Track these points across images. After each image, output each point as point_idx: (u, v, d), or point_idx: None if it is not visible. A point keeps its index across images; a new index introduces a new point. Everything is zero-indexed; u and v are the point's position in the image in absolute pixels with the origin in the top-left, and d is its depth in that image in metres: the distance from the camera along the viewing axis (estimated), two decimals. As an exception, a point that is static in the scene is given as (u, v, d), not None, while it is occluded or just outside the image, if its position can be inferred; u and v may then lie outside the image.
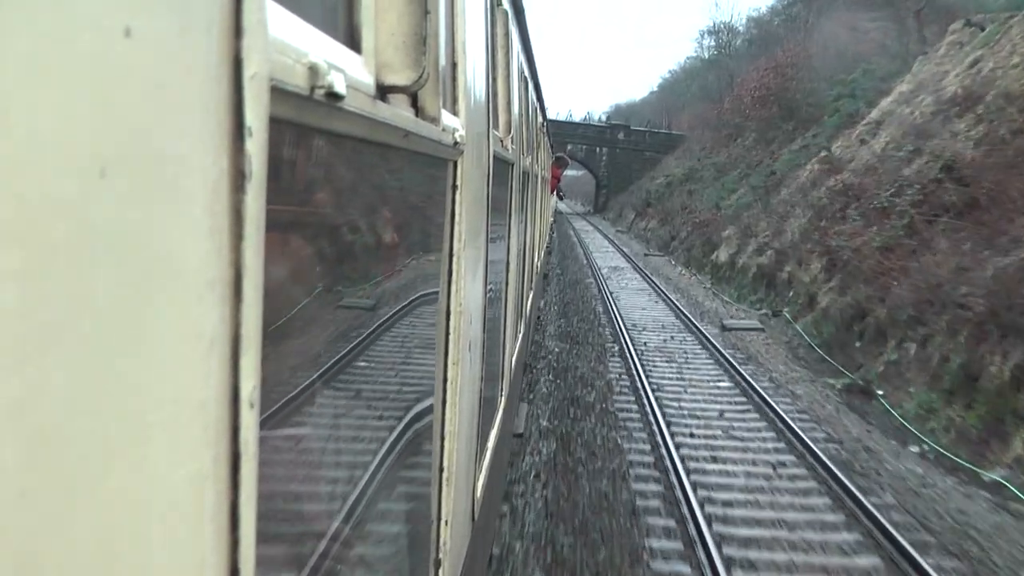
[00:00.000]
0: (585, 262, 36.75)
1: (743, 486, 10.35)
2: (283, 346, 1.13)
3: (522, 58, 6.99)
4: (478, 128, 2.85)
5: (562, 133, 72.60)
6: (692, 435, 12.32)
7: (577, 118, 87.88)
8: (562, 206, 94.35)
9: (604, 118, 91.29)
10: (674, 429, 12.37)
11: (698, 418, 13.28)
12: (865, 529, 9.01)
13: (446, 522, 2.37)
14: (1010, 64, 21.44)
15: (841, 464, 11.01)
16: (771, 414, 13.34)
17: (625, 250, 43.77)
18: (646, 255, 41.31)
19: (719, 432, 12.61)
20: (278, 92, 0.84)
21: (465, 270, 2.47)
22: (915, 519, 9.47)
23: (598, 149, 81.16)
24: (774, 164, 36.38)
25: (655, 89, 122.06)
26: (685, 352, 18.49)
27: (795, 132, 38.44)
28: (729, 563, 8.14)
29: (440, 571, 2.32)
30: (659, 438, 11.90)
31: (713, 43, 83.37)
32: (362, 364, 1.73)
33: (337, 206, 1.49)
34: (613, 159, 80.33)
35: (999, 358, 13.06)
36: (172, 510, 0.66)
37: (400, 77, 1.39)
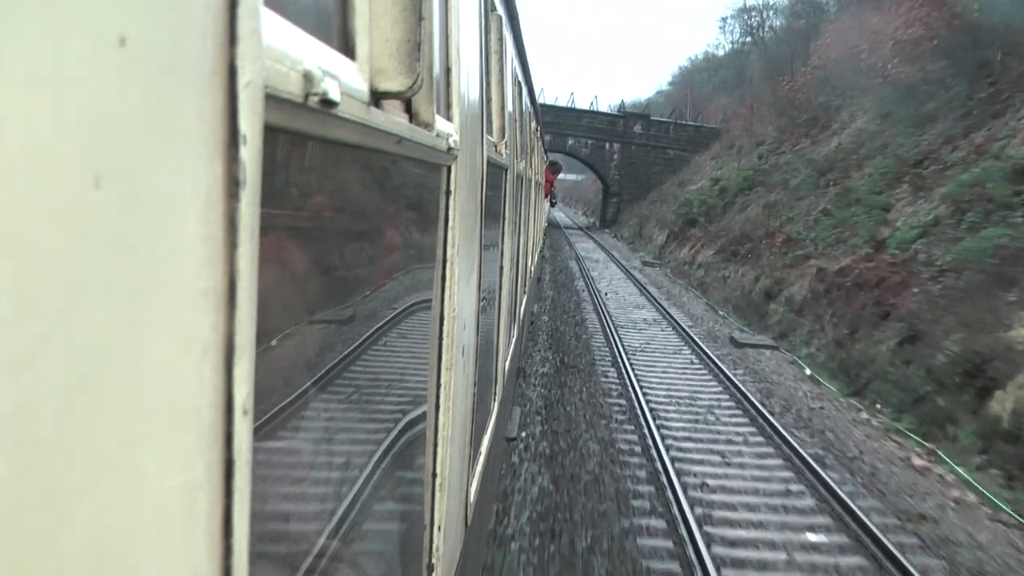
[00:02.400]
0: (615, 378, 15.27)
1: None
2: (277, 352, 1.13)
3: (516, 63, 7.00)
4: (472, 133, 2.86)
5: (562, 124, 59.77)
6: None
7: (581, 106, 67.00)
8: (559, 216, 78.55)
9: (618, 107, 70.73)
10: None
11: None
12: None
13: (439, 527, 2.36)
14: None
15: None
16: None
17: (677, 317, 21.64)
18: (738, 343, 19.12)
19: None
20: (272, 99, 0.84)
21: (459, 275, 2.47)
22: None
23: (608, 145, 62.64)
24: (1006, 149, 18.58)
25: (664, 87, 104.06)
26: None
27: (1001, 97, 21.21)
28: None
29: (433, 577, 2.31)
30: None
31: (739, 26, 73.89)
32: (356, 370, 1.73)
33: (331, 213, 1.49)
34: (627, 158, 62.08)
35: None
36: (165, 518, 0.66)
37: (394, 83, 1.39)
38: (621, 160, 62.39)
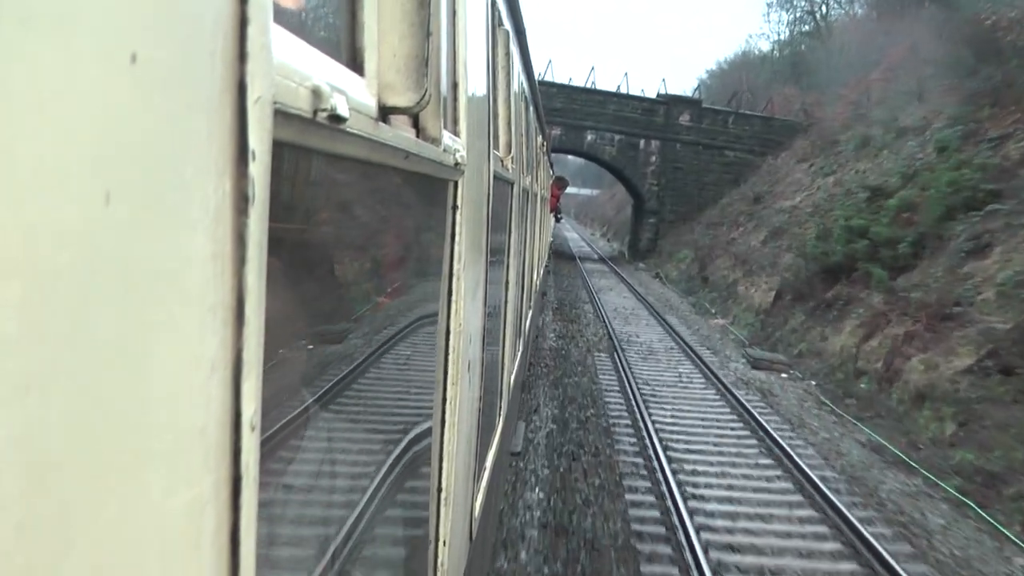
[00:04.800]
0: None
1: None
2: (285, 368, 1.13)
3: (522, 77, 7.03)
4: (479, 148, 2.86)
5: (578, 111, 42.19)
6: None
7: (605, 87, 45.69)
8: (571, 237, 67.62)
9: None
10: None
11: None
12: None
13: (444, 542, 2.35)
14: None
15: None
16: None
17: None
18: None
19: None
20: (281, 115, 0.84)
21: (465, 290, 2.47)
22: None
23: (642, 143, 43.54)
24: None
25: (687, 92, 77.32)
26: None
27: None
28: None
29: (438, 592, 2.30)
30: None
31: (784, 13, 63.26)
32: (363, 384, 1.73)
33: (338, 227, 1.50)
34: (670, 161, 43.60)
35: None
36: (172, 535, 0.65)
37: (402, 99, 1.39)
38: (662, 164, 43.69)
